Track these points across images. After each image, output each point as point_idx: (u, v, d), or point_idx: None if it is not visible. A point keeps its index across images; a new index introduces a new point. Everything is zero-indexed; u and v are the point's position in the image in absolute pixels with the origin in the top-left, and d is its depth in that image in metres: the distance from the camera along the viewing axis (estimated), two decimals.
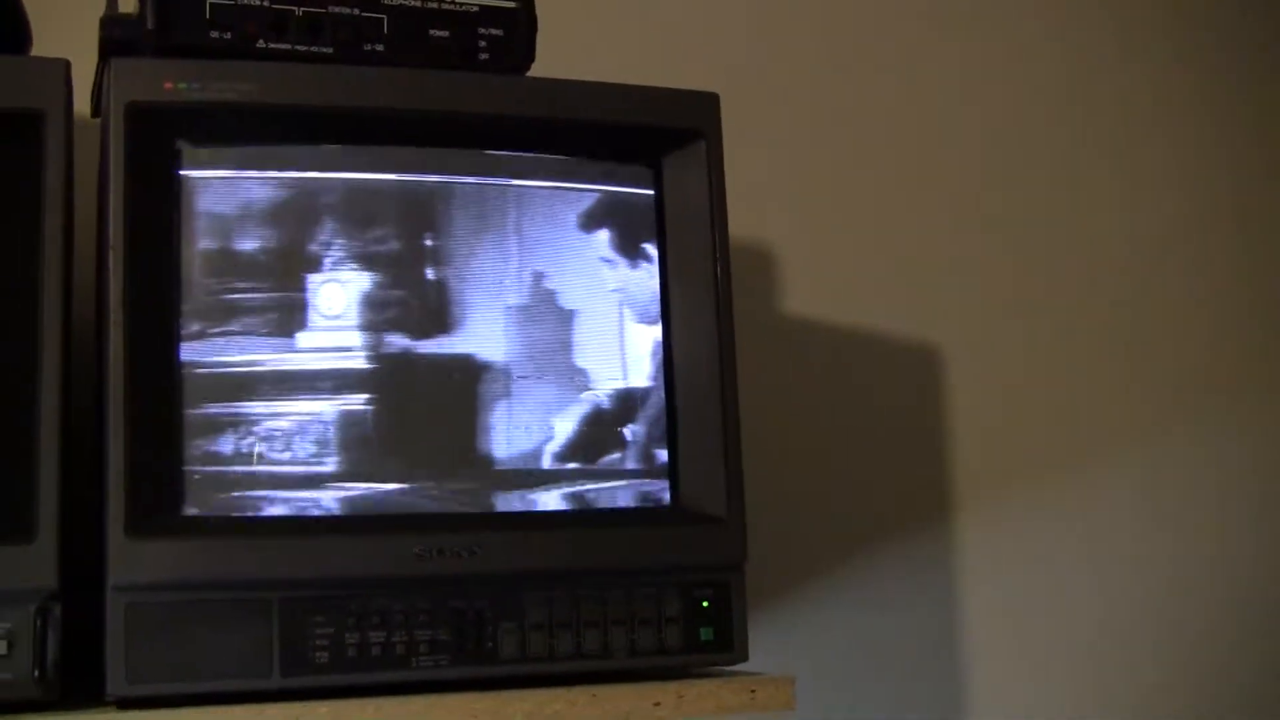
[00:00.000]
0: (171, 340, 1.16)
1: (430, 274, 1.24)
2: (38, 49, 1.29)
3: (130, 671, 1.11)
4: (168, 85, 1.17)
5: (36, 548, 1.09)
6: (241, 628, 1.13)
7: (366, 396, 1.21)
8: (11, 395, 1.11)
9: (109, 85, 1.17)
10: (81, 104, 1.28)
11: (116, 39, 1.22)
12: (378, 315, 1.22)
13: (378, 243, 1.23)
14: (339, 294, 1.21)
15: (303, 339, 1.20)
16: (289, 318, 1.20)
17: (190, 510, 1.15)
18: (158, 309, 1.16)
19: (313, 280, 1.20)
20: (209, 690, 1.12)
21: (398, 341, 1.22)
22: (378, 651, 1.16)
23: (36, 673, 1.09)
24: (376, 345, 1.21)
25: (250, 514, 1.16)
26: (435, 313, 1.24)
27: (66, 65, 1.16)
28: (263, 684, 1.13)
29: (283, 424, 1.18)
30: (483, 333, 1.24)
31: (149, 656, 1.11)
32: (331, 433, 1.19)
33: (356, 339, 1.21)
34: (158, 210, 1.17)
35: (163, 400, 1.15)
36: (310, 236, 1.21)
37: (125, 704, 1.12)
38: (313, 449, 1.19)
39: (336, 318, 1.20)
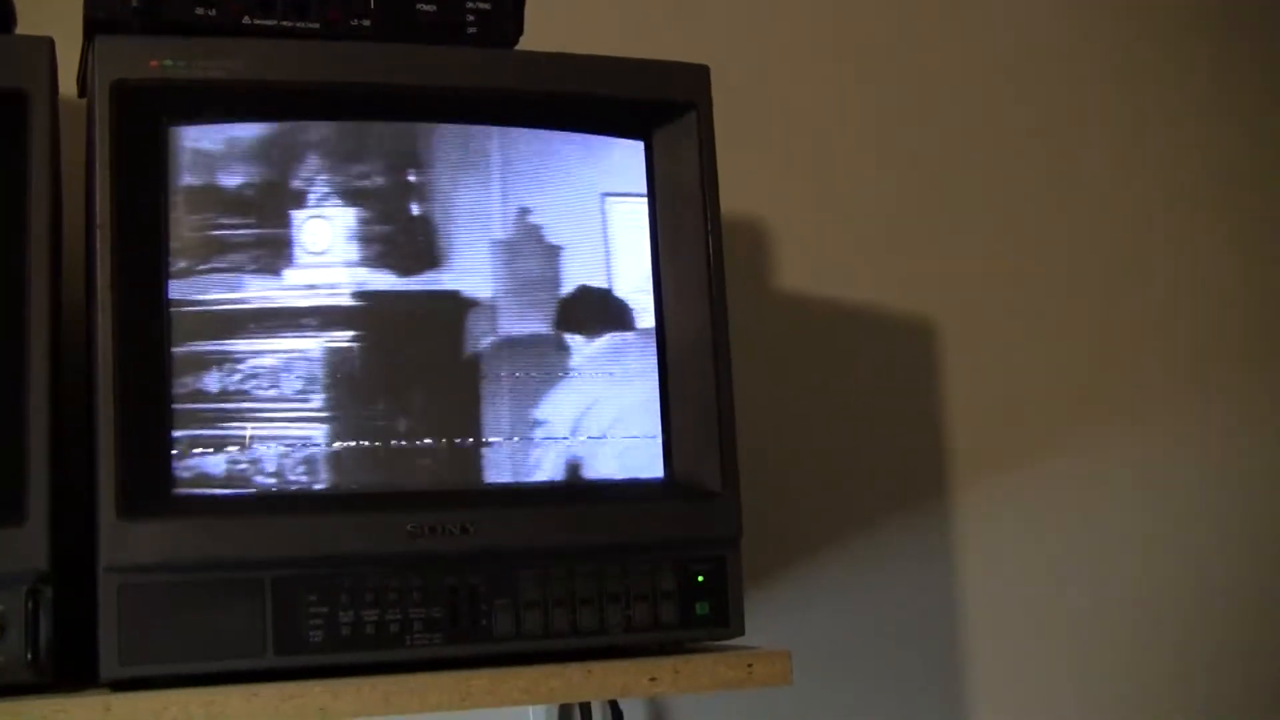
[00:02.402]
0: (161, 317, 1.15)
1: (415, 209, 1.23)
2: (21, 28, 1.28)
3: (123, 653, 1.11)
4: (153, 63, 1.16)
5: (27, 530, 1.08)
6: (234, 607, 1.13)
7: (353, 333, 1.20)
8: (0, 376, 1.11)
9: (94, 63, 1.16)
10: (68, 84, 1.27)
11: (101, 17, 1.20)
12: (363, 251, 1.21)
13: (362, 178, 1.22)
14: (324, 230, 1.20)
15: (289, 276, 1.19)
16: (274, 255, 1.19)
17: (181, 489, 1.14)
18: (145, 288, 1.15)
19: (298, 216, 1.20)
20: (202, 671, 1.12)
21: (383, 278, 1.21)
22: (372, 630, 1.16)
23: (29, 655, 1.08)
24: (362, 281, 1.21)
25: (241, 490, 1.16)
26: (421, 248, 1.23)
27: (50, 44, 1.15)
28: (256, 663, 1.13)
29: (269, 361, 1.17)
30: (469, 268, 1.24)
31: (142, 638, 1.11)
32: (319, 370, 1.18)
33: (342, 275, 1.20)
34: (145, 189, 1.16)
35: (152, 380, 1.14)
36: (295, 173, 1.20)
37: (119, 686, 1.11)
38: (299, 385, 1.18)
39: (322, 254, 1.20)
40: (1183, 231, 2.09)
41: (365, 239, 1.21)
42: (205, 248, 1.18)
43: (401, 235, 1.23)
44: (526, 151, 1.27)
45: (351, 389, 1.20)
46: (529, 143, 1.27)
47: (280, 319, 1.18)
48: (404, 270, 1.22)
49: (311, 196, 1.20)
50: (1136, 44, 2.12)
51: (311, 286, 1.19)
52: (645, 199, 1.31)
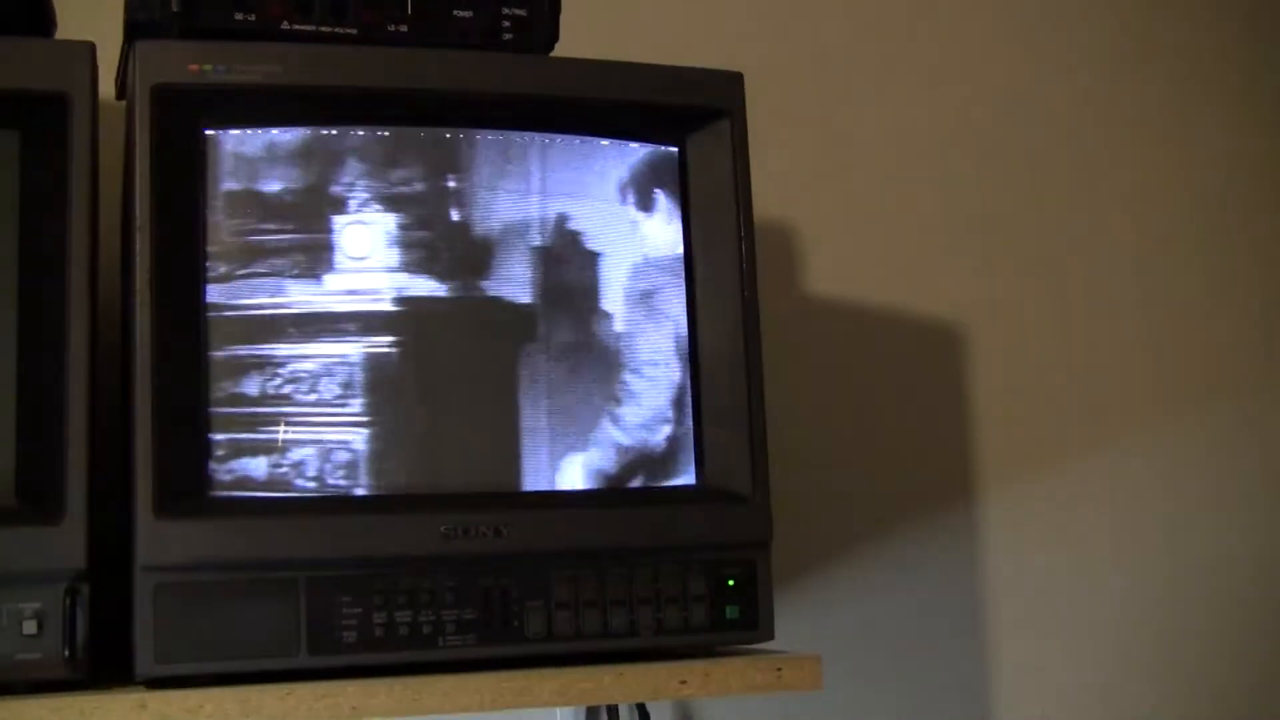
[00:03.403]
0: (199, 317, 1.16)
1: (455, 215, 1.24)
2: (62, 32, 1.29)
3: (159, 651, 1.12)
4: (193, 67, 1.17)
5: (65, 528, 1.10)
6: (269, 607, 1.14)
7: (392, 338, 1.21)
8: (39, 376, 1.12)
9: (134, 67, 1.17)
10: (106, 86, 1.28)
11: (141, 21, 1.22)
12: (403, 257, 1.22)
13: (402, 184, 1.23)
14: (364, 236, 1.21)
15: (329, 281, 1.20)
16: (313, 260, 1.20)
17: (217, 490, 1.15)
18: (184, 288, 1.16)
19: (338, 222, 1.21)
20: (237, 670, 1.13)
21: (423, 283, 1.22)
22: (405, 631, 1.17)
23: (66, 652, 1.09)
24: (402, 286, 1.22)
25: (276, 491, 1.17)
26: (460, 255, 1.24)
27: (91, 48, 1.16)
28: (290, 663, 1.14)
29: (307, 365, 1.18)
30: (508, 275, 1.25)
31: (177, 636, 1.12)
32: (357, 374, 1.19)
33: (382, 280, 1.21)
34: (184, 192, 1.17)
35: (189, 381, 1.15)
36: (334, 178, 1.21)
37: (154, 684, 1.12)
38: (338, 390, 1.19)
39: (361, 259, 1.20)
40: (1210, 235, 2.09)
41: (405, 244, 1.22)
42: (244, 252, 1.18)
43: (441, 241, 1.23)
44: (566, 157, 1.28)
45: (390, 394, 1.20)
46: (568, 149, 1.28)
47: (319, 324, 1.19)
48: (443, 276, 1.23)
49: (351, 202, 1.21)
50: (1166, 52, 2.11)
51: (351, 292, 1.20)
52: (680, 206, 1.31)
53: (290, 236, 1.20)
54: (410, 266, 1.22)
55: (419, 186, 1.23)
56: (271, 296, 1.19)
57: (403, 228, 1.22)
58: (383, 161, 1.23)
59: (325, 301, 1.20)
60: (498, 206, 1.25)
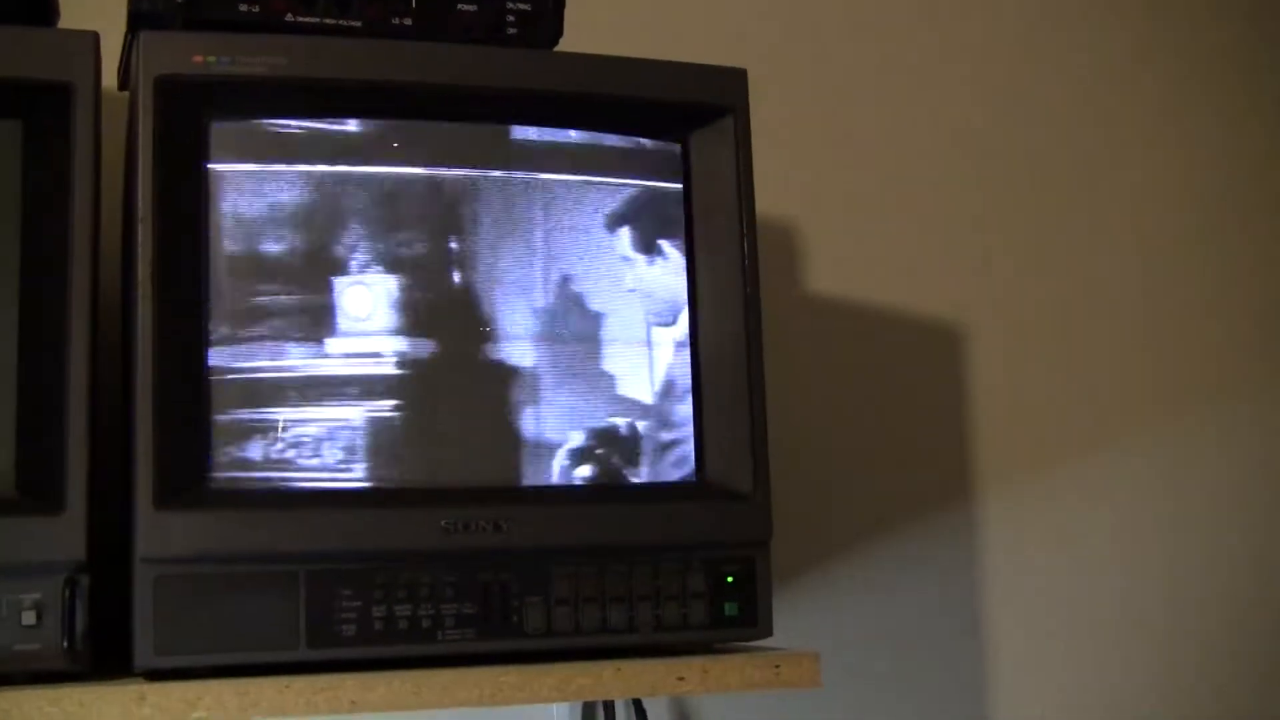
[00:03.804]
0: (199, 310, 1.16)
1: (457, 277, 1.24)
2: (64, 22, 1.29)
3: (158, 643, 1.12)
4: (197, 59, 1.17)
5: (65, 519, 1.09)
6: (268, 600, 1.14)
7: (395, 402, 1.21)
8: (40, 367, 1.12)
9: (138, 58, 1.17)
10: (108, 77, 1.28)
11: (145, 12, 1.21)
12: (404, 319, 1.22)
13: (404, 246, 1.23)
14: (365, 297, 1.21)
15: (331, 344, 1.20)
16: (316, 319, 1.20)
17: (217, 482, 1.15)
18: (185, 281, 1.16)
19: (339, 283, 1.21)
20: (236, 662, 1.13)
21: (425, 346, 1.22)
22: (404, 624, 1.17)
23: (65, 643, 1.09)
24: (403, 349, 1.21)
25: (277, 484, 1.16)
26: (462, 317, 1.24)
27: (95, 38, 1.16)
28: (290, 656, 1.14)
29: (311, 430, 1.18)
30: (510, 337, 1.25)
31: (176, 628, 1.12)
32: (360, 439, 1.19)
33: (384, 344, 1.21)
34: (186, 183, 1.17)
35: (190, 373, 1.15)
36: (336, 238, 1.21)
37: (152, 675, 1.12)
38: (340, 455, 1.19)
39: (363, 321, 1.20)
40: (1210, 235, 2.09)
41: (406, 306, 1.22)
42: (247, 245, 1.18)
43: (443, 302, 1.23)
44: (571, 214, 1.28)
45: (393, 386, 1.20)
46: (574, 205, 1.28)
47: (322, 315, 1.19)
48: (444, 338, 1.23)
49: (352, 263, 1.21)
50: (1166, 51, 2.12)
51: (355, 353, 1.20)
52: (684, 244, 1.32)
53: (292, 299, 1.19)
54: (411, 328, 1.22)
55: (420, 248, 1.23)
56: (274, 287, 1.18)
57: (404, 289, 1.22)
58: (384, 222, 1.22)
59: (328, 298, 1.20)
60: (500, 266, 1.25)
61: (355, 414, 1.19)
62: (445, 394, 1.22)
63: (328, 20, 1.23)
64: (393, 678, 1.14)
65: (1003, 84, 2.00)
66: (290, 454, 1.17)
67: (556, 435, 1.25)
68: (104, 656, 1.15)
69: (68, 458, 1.10)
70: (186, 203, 1.17)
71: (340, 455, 1.18)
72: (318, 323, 1.19)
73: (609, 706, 1.58)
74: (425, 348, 1.22)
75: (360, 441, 1.19)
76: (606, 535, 1.23)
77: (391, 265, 1.22)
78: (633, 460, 1.27)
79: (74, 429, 1.11)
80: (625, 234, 1.29)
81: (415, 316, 1.22)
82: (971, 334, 1.92)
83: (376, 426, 1.20)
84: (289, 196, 1.20)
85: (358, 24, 1.24)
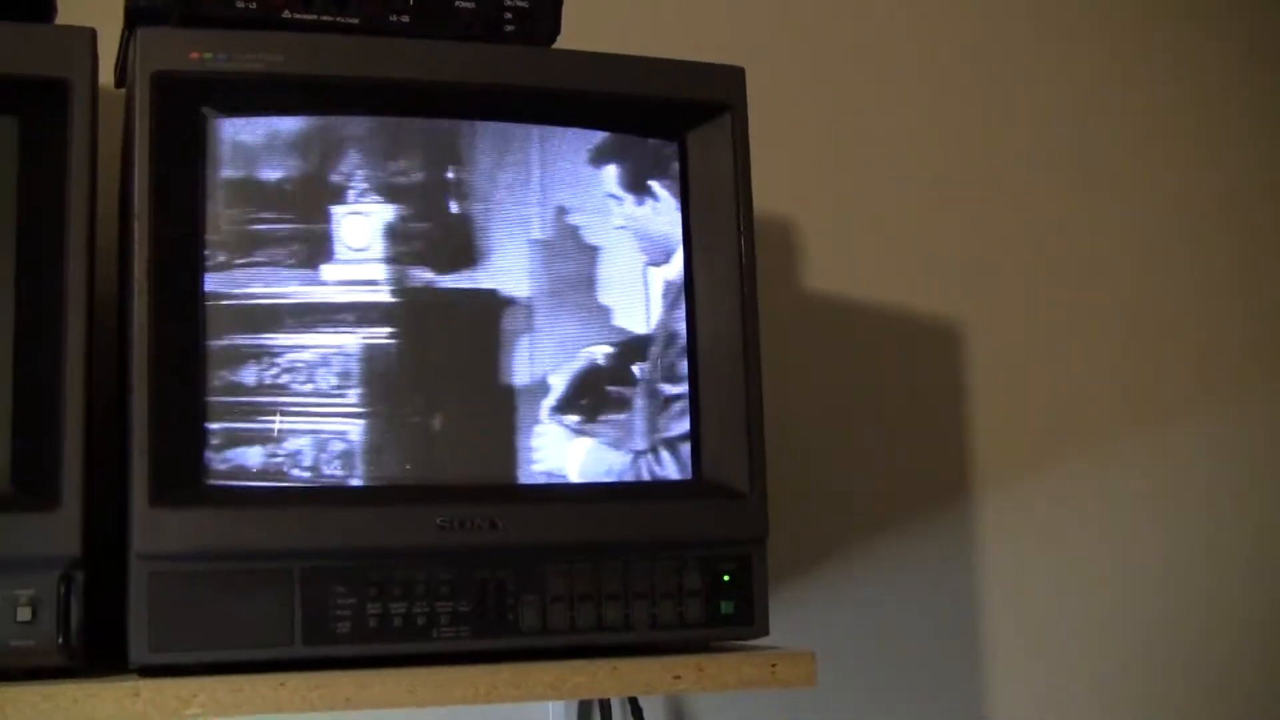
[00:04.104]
0: (196, 308, 1.16)
1: (454, 207, 1.24)
2: (61, 18, 1.28)
3: (153, 639, 1.11)
4: (194, 55, 1.17)
5: (60, 515, 1.09)
6: (264, 597, 1.14)
7: (390, 329, 1.20)
8: (36, 363, 1.12)
9: (135, 55, 1.17)
10: (104, 74, 1.28)
11: (142, 8, 1.21)
12: (400, 248, 1.22)
13: (401, 174, 1.23)
14: (362, 226, 1.20)
15: (327, 271, 1.20)
16: (313, 250, 1.20)
17: (213, 479, 1.15)
18: (182, 277, 1.16)
19: (337, 212, 1.21)
20: (231, 659, 1.13)
21: (420, 274, 1.22)
22: (399, 622, 1.17)
23: (60, 639, 1.09)
24: (400, 279, 1.21)
25: (272, 481, 1.16)
26: (459, 246, 1.23)
27: (92, 34, 1.16)
28: (285, 653, 1.14)
29: (305, 355, 1.18)
30: (507, 267, 1.24)
31: (172, 625, 1.12)
32: (355, 365, 1.19)
33: (380, 271, 1.21)
34: (183, 180, 1.17)
35: (186, 370, 1.15)
36: (334, 168, 1.21)
37: (148, 671, 1.12)
38: (335, 380, 1.19)
39: (360, 250, 1.20)
40: (1211, 238, 2.09)
41: (403, 235, 1.22)
42: (242, 240, 1.18)
43: (439, 232, 1.23)
44: (565, 149, 1.28)
45: (387, 385, 1.20)
46: (568, 140, 1.28)
47: (317, 314, 1.19)
48: (441, 268, 1.23)
49: (350, 192, 1.21)
50: (1165, 53, 2.12)
51: (349, 282, 1.20)
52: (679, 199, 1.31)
53: (289, 226, 1.19)
54: (408, 258, 1.22)
55: (418, 176, 1.23)
56: (269, 286, 1.18)
57: (401, 219, 1.22)
58: (383, 151, 1.22)
59: (323, 292, 1.19)
60: (497, 198, 1.25)
61: (351, 341, 1.19)
62: (441, 323, 1.23)
63: (325, 17, 1.23)
64: (388, 675, 1.13)
65: (1001, 83, 2.00)
66: (286, 378, 1.17)
67: (551, 368, 1.25)
68: (98, 653, 1.15)
69: (63, 453, 1.10)
70: (183, 199, 1.17)
71: (335, 381, 1.18)
72: (313, 255, 1.20)
73: (605, 705, 1.58)
74: (421, 277, 1.22)
75: (355, 368, 1.19)
76: (602, 533, 1.23)
77: (387, 194, 1.22)
78: (627, 402, 1.27)
79: (70, 425, 1.11)
80: (613, 171, 1.29)
81: (411, 245, 1.22)
82: (968, 333, 1.92)
83: (371, 353, 1.19)
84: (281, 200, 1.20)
85: (355, 21, 1.24)
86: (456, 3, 1.27)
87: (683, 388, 1.29)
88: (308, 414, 1.18)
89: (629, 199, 1.29)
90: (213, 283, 1.17)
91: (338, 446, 1.18)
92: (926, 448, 1.88)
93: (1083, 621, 1.93)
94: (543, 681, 1.17)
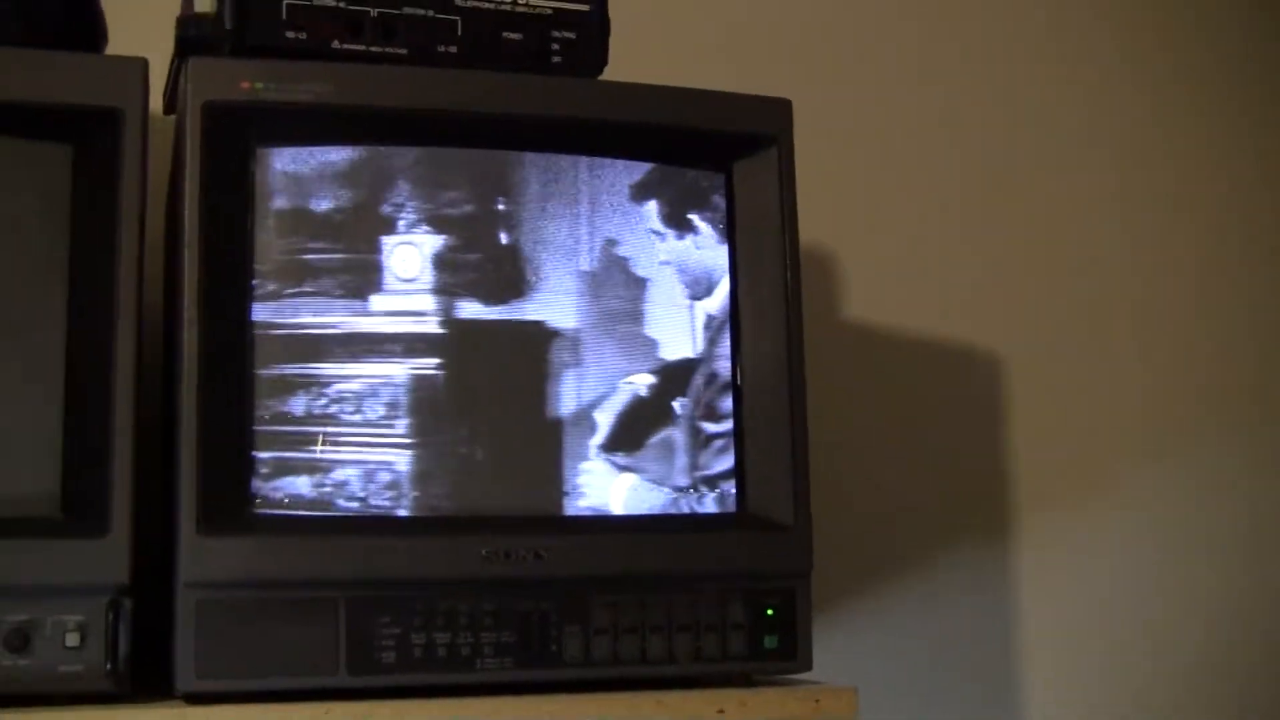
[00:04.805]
0: (244, 338, 1.17)
1: (504, 238, 1.24)
2: (109, 46, 1.30)
3: (199, 667, 1.12)
4: (244, 85, 1.17)
5: (109, 542, 1.10)
6: (309, 626, 1.14)
7: (438, 360, 1.21)
8: (86, 390, 1.12)
9: (186, 84, 1.17)
10: (153, 101, 1.28)
11: (194, 38, 1.23)
12: (450, 278, 1.22)
13: (451, 206, 1.23)
14: (412, 257, 1.21)
15: (376, 301, 1.20)
16: (362, 280, 1.20)
17: (260, 508, 1.15)
18: (231, 306, 1.16)
19: (386, 242, 1.21)
20: (276, 687, 1.13)
21: (470, 306, 1.22)
22: (443, 652, 1.17)
23: (108, 666, 1.10)
24: (448, 309, 1.22)
25: (320, 512, 1.17)
26: (507, 277, 1.24)
27: (144, 64, 1.17)
28: (329, 682, 1.14)
29: (354, 386, 1.18)
30: (554, 299, 1.25)
31: (218, 652, 1.12)
32: (402, 395, 1.19)
33: (429, 302, 1.21)
34: (232, 210, 1.17)
35: (234, 399, 1.16)
36: (383, 199, 1.22)
37: (193, 699, 1.12)
38: (382, 410, 1.19)
39: (409, 280, 1.21)
40: (1258, 264, 2.08)
41: (451, 266, 1.22)
42: (291, 270, 1.19)
43: (489, 264, 1.24)
44: (613, 183, 1.28)
45: (434, 416, 1.20)
46: (615, 173, 1.28)
47: (365, 344, 1.19)
48: (489, 299, 1.23)
49: (400, 223, 1.21)
50: (1204, 81, 2.11)
51: (397, 313, 1.20)
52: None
53: (338, 256, 1.20)
54: (456, 289, 1.22)
55: (468, 208, 1.24)
56: (318, 315, 1.19)
57: (450, 249, 1.22)
58: (433, 182, 1.23)
59: (371, 322, 1.20)
60: (546, 230, 1.25)
61: (399, 371, 1.20)
62: (488, 353, 1.23)
63: (374, 48, 1.24)
64: (431, 705, 1.14)
65: (1041, 114, 2.00)
66: (334, 409, 1.18)
67: (596, 402, 1.25)
68: (143, 679, 1.15)
69: (113, 481, 1.11)
70: (232, 228, 1.17)
71: (382, 411, 1.18)
72: (363, 285, 1.20)
73: None
74: (469, 308, 1.22)
75: (402, 398, 1.19)
76: (646, 565, 1.22)
77: (437, 225, 1.22)
78: (670, 437, 1.27)
79: (119, 453, 1.11)
80: (654, 207, 1.29)
81: (460, 276, 1.22)
82: (1007, 362, 1.92)
83: (418, 384, 1.20)
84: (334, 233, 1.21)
85: (403, 51, 1.25)
86: (504, 33, 1.28)
87: (725, 425, 1.29)
88: (355, 444, 1.18)
89: (670, 234, 1.30)
90: (261, 312, 1.17)
91: (384, 476, 1.19)
92: (965, 476, 1.88)
93: (1124, 648, 1.92)
94: (586, 713, 1.17)
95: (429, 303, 1.21)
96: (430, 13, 1.26)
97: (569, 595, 1.20)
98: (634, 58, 1.37)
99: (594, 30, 1.31)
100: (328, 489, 1.17)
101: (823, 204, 1.71)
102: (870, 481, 1.82)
